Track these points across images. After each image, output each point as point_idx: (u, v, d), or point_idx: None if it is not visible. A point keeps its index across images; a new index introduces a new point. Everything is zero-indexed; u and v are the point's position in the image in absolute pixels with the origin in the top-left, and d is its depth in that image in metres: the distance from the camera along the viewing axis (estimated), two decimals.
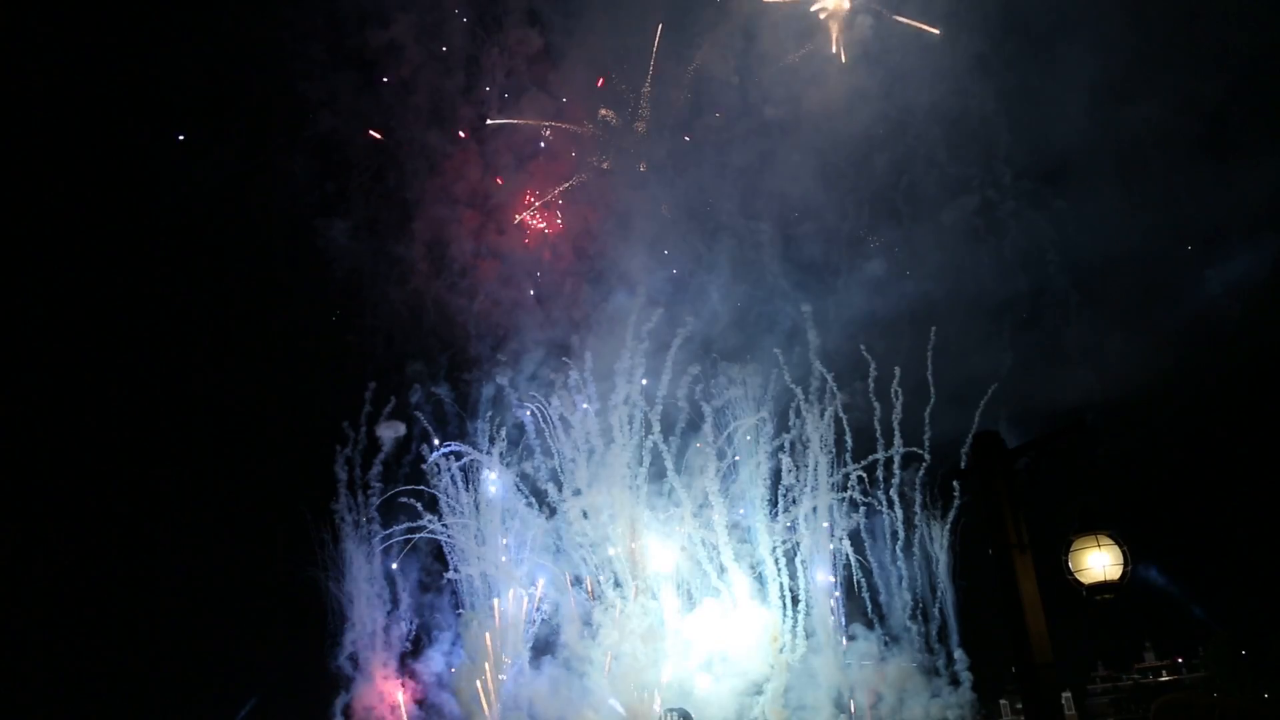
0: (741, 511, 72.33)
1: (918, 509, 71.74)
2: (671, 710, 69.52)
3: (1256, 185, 64.70)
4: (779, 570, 71.30)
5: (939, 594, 71.69)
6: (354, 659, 71.75)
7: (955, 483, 70.82)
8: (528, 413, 72.52)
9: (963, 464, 64.13)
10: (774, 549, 71.46)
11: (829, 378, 74.09)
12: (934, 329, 70.90)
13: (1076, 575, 5.13)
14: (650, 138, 79.36)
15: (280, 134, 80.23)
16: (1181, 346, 66.54)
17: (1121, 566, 5.20)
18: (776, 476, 73.07)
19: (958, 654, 69.70)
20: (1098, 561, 5.27)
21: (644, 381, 72.22)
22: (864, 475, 73.19)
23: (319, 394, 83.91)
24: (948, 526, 71.66)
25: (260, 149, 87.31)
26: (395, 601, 73.19)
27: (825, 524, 73.01)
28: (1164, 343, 65.94)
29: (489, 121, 79.85)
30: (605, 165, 77.98)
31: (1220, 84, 67.69)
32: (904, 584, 71.49)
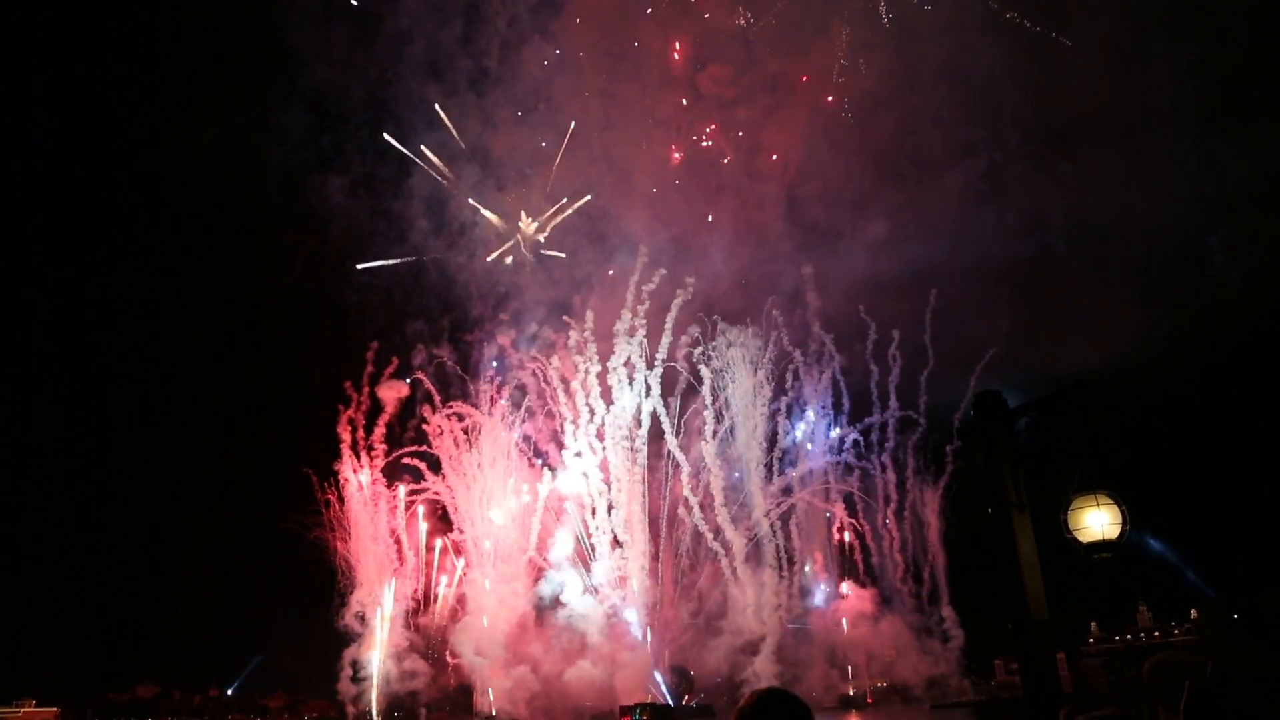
0: (738, 474, 72.78)
1: (911, 474, 72.35)
2: (672, 668, 70.64)
3: (1267, 153, 63.97)
4: (774, 532, 72.11)
5: (930, 556, 72.54)
6: (361, 617, 72.56)
7: (948, 448, 71.15)
8: (529, 374, 72.62)
9: (957, 427, 64.32)
10: (769, 511, 72.18)
11: (828, 340, 74.18)
12: (934, 292, 70.70)
13: (1075, 534, 5.13)
14: (650, 93, 78.37)
15: (274, 87, 78.93)
16: (1182, 313, 66.32)
17: (1120, 526, 5.21)
18: (773, 439, 73.58)
19: (946, 611, 70.58)
20: (1096, 520, 5.28)
21: (644, 341, 72.19)
22: (860, 439, 73.81)
23: (320, 354, 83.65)
24: (940, 491, 72.40)
25: (253, 103, 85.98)
26: (401, 560, 73.94)
27: (821, 486, 73.76)
28: (1165, 309, 65.69)
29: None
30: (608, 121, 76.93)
31: (1234, 49, 66.61)
32: (896, 546, 72.37)
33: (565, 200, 78.57)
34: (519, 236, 78.55)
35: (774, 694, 1.89)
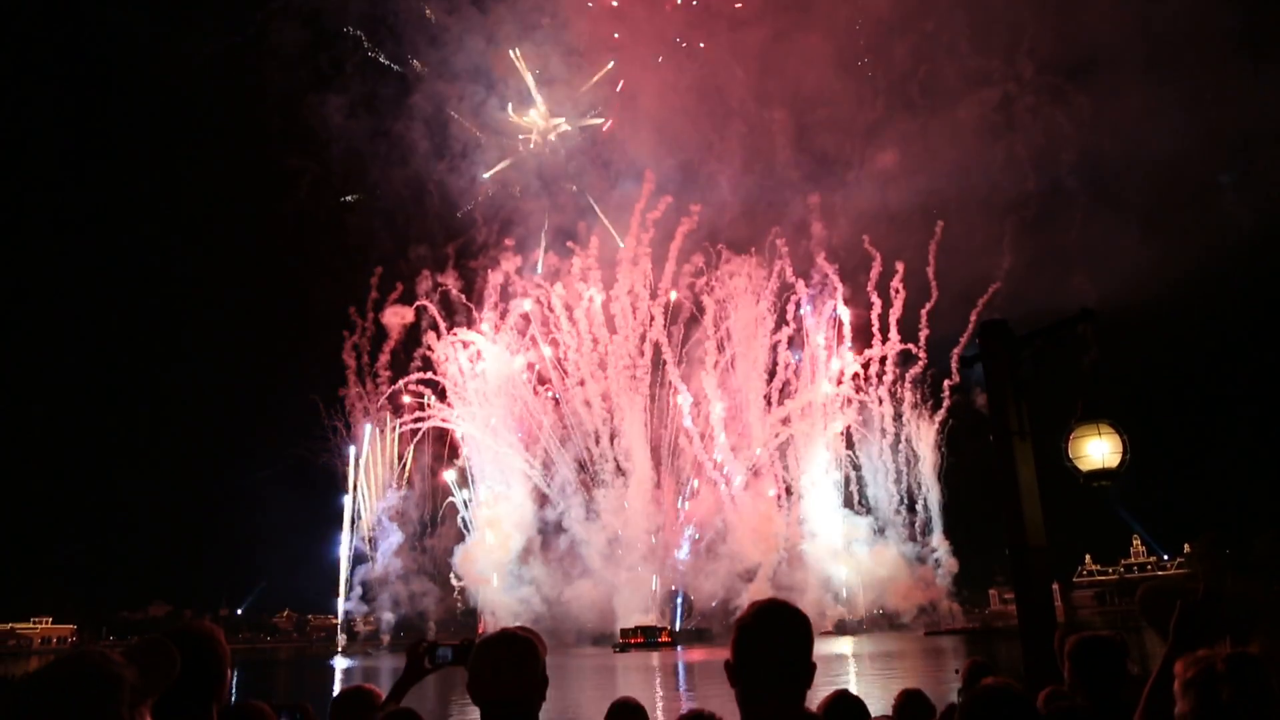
0: (738, 403, 73.09)
1: (908, 407, 72.62)
2: (673, 590, 72.29)
3: None
4: (773, 461, 72.80)
5: (924, 488, 73.27)
6: (369, 540, 74.00)
7: (946, 383, 71.21)
8: (533, 301, 72.41)
9: (959, 356, 64.32)
10: (768, 441, 72.70)
11: (831, 272, 73.65)
12: (941, 225, 69.91)
13: (1075, 462, 5.14)
14: (661, 13, 76.19)
15: (271, 2, 76.76)
16: (1190, 250, 65.69)
17: (1120, 455, 5.21)
18: (774, 370, 73.72)
19: (937, 538, 71.67)
20: (1097, 449, 5.28)
21: (649, 268, 71.82)
22: (860, 371, 73.85)
23: (324, 278, 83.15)
24: (937, 425, 72.80)
25: (249, 19, 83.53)
26: (411, 484, 74.94)
27: (820, 418, 74.12)
28: (1173, 246, 65.04)
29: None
30: (616, 36, 74.56)
31: None
32: (891, 477, 73.06)
33: (572, 120, 77.19)
34: (524, 150, 77.32)
35: (774, 605, 1.90)
